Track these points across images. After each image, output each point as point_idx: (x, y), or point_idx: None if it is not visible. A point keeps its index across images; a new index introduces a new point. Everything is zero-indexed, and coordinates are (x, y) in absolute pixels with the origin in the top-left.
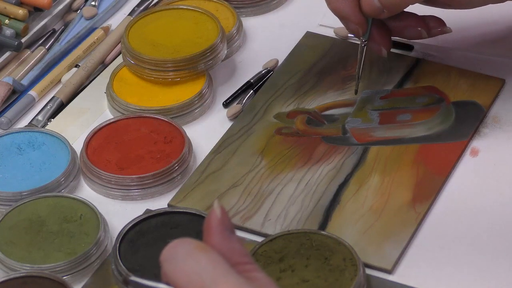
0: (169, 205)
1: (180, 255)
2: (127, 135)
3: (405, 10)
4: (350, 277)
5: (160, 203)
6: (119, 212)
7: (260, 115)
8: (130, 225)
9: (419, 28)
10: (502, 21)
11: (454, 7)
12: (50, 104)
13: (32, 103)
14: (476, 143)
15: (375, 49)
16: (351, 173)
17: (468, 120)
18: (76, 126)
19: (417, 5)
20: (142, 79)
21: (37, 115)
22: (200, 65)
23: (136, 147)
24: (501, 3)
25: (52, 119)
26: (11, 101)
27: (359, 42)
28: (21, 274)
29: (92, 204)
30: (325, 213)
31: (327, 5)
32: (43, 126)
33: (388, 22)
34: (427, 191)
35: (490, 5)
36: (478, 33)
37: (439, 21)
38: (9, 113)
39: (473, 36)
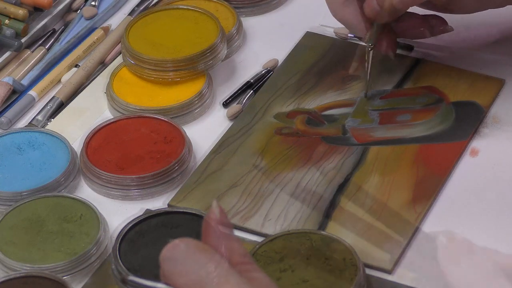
0: (169, 205)
1: (179, 255)
2: (127, 135)
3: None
4: (350, 277)
5: (160, 203)
6: (119, 212)
7: (260, 115)
8: (130, 225)
9: (422, 28)
10: (502, 22)
11: (453, 12)
12: (50, 104)
13: (32, 103)
14: (476, 143)
15: (382, 51)
16: (351, 173)
17: (468, 120)
18: (76, 126)
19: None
20: (142, 79)
21: (37, 115)
22: (200, 65)
23: (136, 147)
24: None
25: (52, 119)
26: (11, 101)
27: (363, 44)
28: (21, 274)
29: (92, 204)
30: (325, 213)
31: (334, 16)
32: (43, 126)
33: (391, 23)
34: (427, 191)
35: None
36: (478, 33)
37: (441, 20)
38: (9, 113)
39: (473, 36)
